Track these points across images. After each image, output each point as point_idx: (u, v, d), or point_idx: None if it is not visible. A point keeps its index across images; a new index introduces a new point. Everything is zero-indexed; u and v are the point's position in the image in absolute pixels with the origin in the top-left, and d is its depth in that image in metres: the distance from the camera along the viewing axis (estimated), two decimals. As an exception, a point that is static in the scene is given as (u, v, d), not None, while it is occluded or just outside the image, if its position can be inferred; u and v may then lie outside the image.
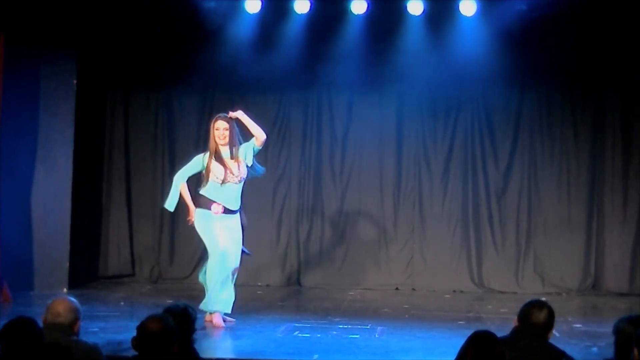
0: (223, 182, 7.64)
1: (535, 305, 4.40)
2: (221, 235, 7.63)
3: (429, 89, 10.43)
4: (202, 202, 7.74)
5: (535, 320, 4.33)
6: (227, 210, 7.69)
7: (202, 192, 7.75)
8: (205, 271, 7.72)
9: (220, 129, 7.71)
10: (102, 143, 10.62)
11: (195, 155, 7.87)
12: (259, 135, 7.75)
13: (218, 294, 7.59)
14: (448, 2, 9.78)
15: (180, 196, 7.80)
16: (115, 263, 10.56)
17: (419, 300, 9.72)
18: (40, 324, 4.23)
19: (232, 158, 7.69)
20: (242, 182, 7.76)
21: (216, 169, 7.66)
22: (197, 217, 7.74)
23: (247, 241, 7.91)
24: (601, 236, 10.36)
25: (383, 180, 10.58)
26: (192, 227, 9.80)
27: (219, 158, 7.68)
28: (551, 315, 4.38)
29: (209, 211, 7.66)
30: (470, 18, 9.79)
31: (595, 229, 10.37)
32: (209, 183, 7.68)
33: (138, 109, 10.69)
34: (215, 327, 7.56)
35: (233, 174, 7.66)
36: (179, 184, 7.79)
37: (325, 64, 10.26)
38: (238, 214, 7.79)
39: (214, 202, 7.68)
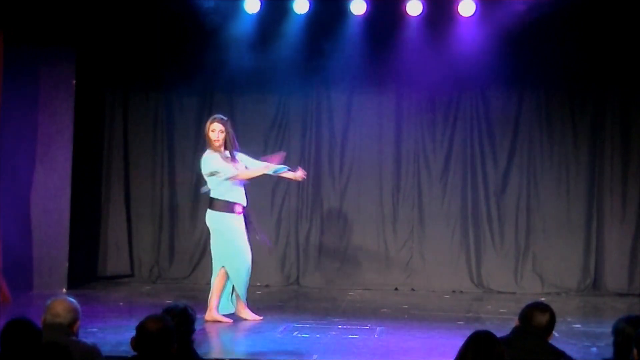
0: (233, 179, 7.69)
1: (538, 307, 4.41)
2: (243, 238, 7.76)
3: (428, 89, 10.43)
4: (220, 205, 7.73)
5: (537, 323, 4.33)
6: (242, 209, 7.77)
7: (214, 195, 7.74)
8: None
9: (215, 131, 7.71)
10: (101, 143, 10.61)
11: (203, 156, 7.84)
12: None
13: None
14: (447, 3, 9.78)
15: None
16: (115, 263, 10.55)
17: (418, 300, 9.71)
18: (40, 324, 4.24)
19: (232, 159, 7.72)
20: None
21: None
22: (220, 221, 7.75)
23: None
24: (600, 236, 10.36)
25: (382, 180, 10.58)
26: (192, 227, 9.81)
27: (224, 157, 7.71)
28: (553, 319, 4.39)
29: (232, 214, 7.69)
30: (469, 18, 9.80)
31: (595, 228, 10.37)
32: (221, 185, 7.69)
33: (137, 108, 10.68)
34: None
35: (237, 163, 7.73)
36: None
37: (324, 64, 10.25)
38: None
39: (235, 203, 7.72)
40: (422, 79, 10.31)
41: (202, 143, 9.69)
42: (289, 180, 7.96)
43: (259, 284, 10.26)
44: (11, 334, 3.86)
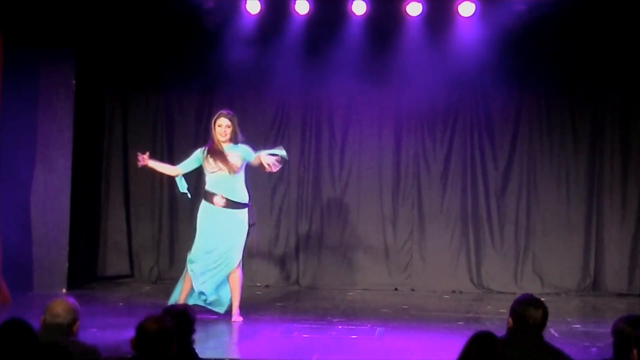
0: (215, 171, 7.74)
1: (531, 303, 4.32)
2: (212, 233, 7.76)
3: (428, 90, 10.42)
4: (206, 196, 7.89)
5: (533, 321, 4.28)
6: (229, 203, 7.73)
7: (205, 187, 7.89)
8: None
9: (222, 126, 7.79)
10: (101, 143, 10.61)
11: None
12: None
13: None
14: (447, 3, 9.78)
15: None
16: (114, 263, 10.55)
17: (418, 300, 9.71)
18: (39, 324, 4.24)
19: (228, 151, 7.77)
20: (240, 174, 7.81)
21: (210, 160, 7.76)
22: (200, 209, 7.90)
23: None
24: (600, 236, 10.36)
25: (382, 181, 10.58)
26: (192, 227, 9.90)
27: (213, 151, 7.75)
28: (546, 313, 4.34)
29: (212, 205, 7.74)
30: (469, 19, 9.81)
31: (595, 228, 10.36)
32: (207, 177, 7.83)
33: (137, 109, 10.69)
34: None
35: (227, 163, 7.70)
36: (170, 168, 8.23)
37: (324, 64, 10.25)
38: (245, 209, 7.81)
39: (215, 194, 7.77)
40: (422, 79, 10.30)
41: (201, 143, 9.72)
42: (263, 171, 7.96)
43: (259, 284, 10.27)
44: (6, 335, 3.84)
